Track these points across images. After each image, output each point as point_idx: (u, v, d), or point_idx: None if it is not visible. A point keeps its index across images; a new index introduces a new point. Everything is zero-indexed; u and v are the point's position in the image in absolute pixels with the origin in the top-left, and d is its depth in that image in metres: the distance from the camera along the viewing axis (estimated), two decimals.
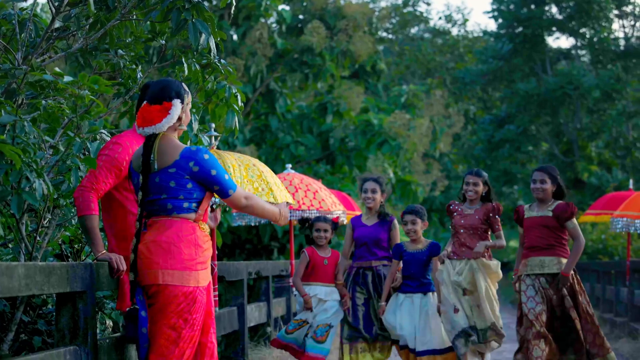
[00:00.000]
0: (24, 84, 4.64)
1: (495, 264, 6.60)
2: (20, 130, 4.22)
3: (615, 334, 10.99)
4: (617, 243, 19.00)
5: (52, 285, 3.87)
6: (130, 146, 4.56)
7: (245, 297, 8.11)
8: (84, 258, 5.38)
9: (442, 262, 6.65)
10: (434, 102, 22.36)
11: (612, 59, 27.54)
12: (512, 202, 29.49)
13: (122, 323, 5.65)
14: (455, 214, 6.72)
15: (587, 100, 26.24)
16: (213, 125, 6.28)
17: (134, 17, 5.25)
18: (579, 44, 29.06)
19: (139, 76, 5.41)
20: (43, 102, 4.56)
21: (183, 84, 4.38)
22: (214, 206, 5.24)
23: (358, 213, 9.78)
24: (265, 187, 5.79)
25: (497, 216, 6.63)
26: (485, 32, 33.26)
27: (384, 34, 33.16)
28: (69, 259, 5.34)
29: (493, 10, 28.65)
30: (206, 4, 6.28)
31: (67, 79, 4.54)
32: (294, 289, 7.09)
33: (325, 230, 6.88)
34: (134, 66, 5.40)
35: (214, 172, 4.18)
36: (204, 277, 4.20)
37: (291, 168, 8.85)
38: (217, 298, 6.51)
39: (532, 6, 27.85)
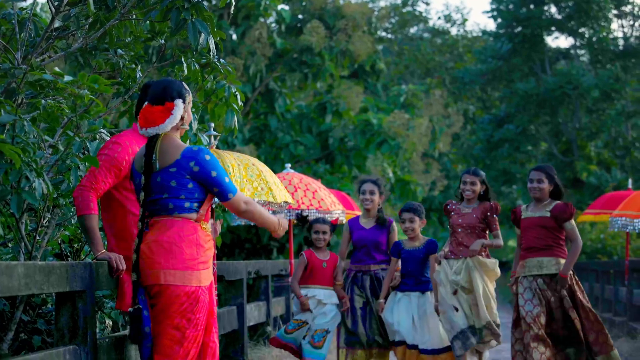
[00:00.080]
0: (24, 84, 4.64)
1: (492, 262, 6.57)
2: (19, 130, 4.22)
3: (614, 334, 10.99)
4: (616, 242, 19.03)
5: (51, 285, 3.88)
6: (130, 146, 4.56)
7: (245, 296, 8.11)
8: (83, 257, 5.39)
9: (439, 263, 6.63)
10: (433, 101, 22.37)
11: (611, 58, 27.57)
12: (511, 202, 29.52)
13: (122, 322, 5.66)
14: (452, 213, 6.70)
15: (586, 100, 26.25)
16: (212, 124, 6.28)
17: (134, 16, 5.25)
18: (578, 43, 29.08)
19: (138, 76, 5.42)
20: (43, 101, 4.56)
21: (184, 83, 4.38)
22: (214, 206, 5.24)
23: (357, 213, 9.78)
24: (264, 187, 5.79)
25: (494, 215, 6.61)
26: (484, 32, 33.29)
27: (383, 34, 33.15)
28: (69, 259, 5.34)
29: (492, 10, 28.67)
30: (205, 3, 6.28)
31: (66, 78, 4.54)
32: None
33: (324, 232, 6.84)
34: (133, 66, 5.40)
35: (214, 174, 4.18)
36: (205, 277, 4.20)
37: (290, 167, 8.85)
38: (216, 297, 6.51)
39: (531, 6, 27.87)
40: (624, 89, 26.36)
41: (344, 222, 8.40)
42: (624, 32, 28.88)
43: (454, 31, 36.63)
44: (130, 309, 4.14)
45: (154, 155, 4.19)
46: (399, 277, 6.78)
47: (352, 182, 16.54)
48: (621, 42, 28.52)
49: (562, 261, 6.38)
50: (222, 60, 5.55)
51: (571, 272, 6.42)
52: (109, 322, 5.60)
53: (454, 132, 25.48)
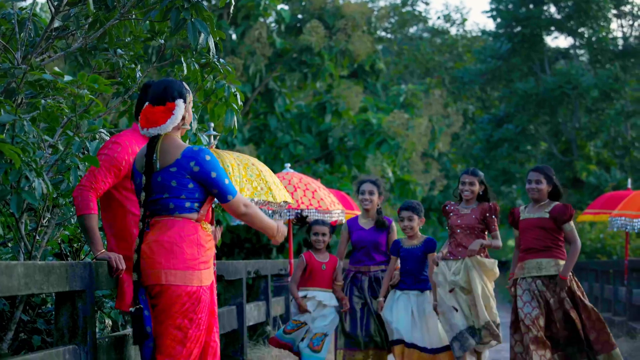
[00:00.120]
0: (24, 83, 4.64)
1: (491, 262, 6.54)
2: (19, 130, 4.22)
3: (614, 333, 10.94)
4: (615, 242, 19.03)
5: (51, 285, 3.88)
6: (130, 145, 4.56)
7: (244, 296, 8.11)
8: (83, 257, 5.39)
9: (437, 265, 6.60)
10: (433, 101, 22.38)
11: (610, 58, 27.57)
12: (511, 202, 29.53)
13: (121, 322, 5.66)
14: (451, 214, 6.68)
15: (585, 99, 26.26)
16: (212, 124, 6.28)
17: (133, 16, 5.26)
18: (577, 43, 29.08)
19: (138, 75, 5.42)
20: (42, 101, 4.57)
21: (184, 83, 4.38)
22: (214, 206, 5.23)
23: (357, 212, 9.78)
24: (264, 186, 5.80)
25: (493, 216, 6.58)
26: (483, 32, 33.29)
27: (383, 34, 33.16)
28: (68, 258, 5.34)
29: (492, 10, 28.68)
30: (205, 3, 6.28)
31: (66, 78, 4.54)
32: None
33: (324, 234, 6.83)
34: (133, 65, 5.40)
35: (213, 175, 4.17)
36: (207, 277, 4.20)
37: (290, 167, 8.85)
38: (216, 297, 6.51)
39: (531, 6, 27.87)
40: (624, 88, 26.37)
41: (343, 222, 8.40)
42: (623, 32, 28.89)
43: (453, 31, 36.67)
44: (131, 309, 4.14)
45: (154, 155, 4.19)
46: (399, 275, 6.77)
47: (352, 182, 16.55)
48: (620, 42, 28.52)
49: (561, 262, 6.35)
50: (221, 60, 5.55)
51: (570, 272, 6.40)
52: (108, 321, 5.60)
53: (454, 131, 25.50)
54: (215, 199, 4.31)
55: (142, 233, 4.18)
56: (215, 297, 4.43)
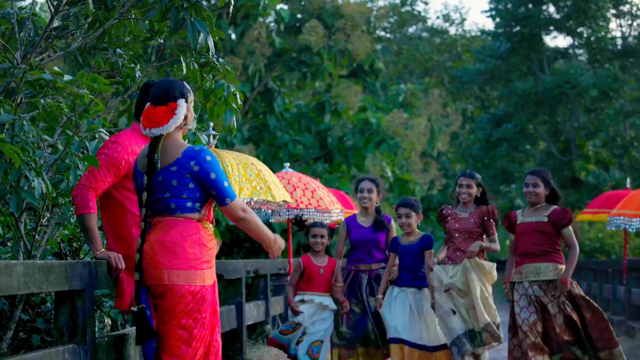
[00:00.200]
0: (23, 83, 4.64)
1: (489, 264, 6.44)
2: (19, 129, 4.22)
3: None
4: (614, 242, 19.04)
5: (50, 284, 3.88)
6: (129, 145, 4.57)
7: (244, 295, 8.11)
8: (82, 256, 5.39)
9: (431, 270, 6.54)
10: (432, 101, 22.40)
11: (609, 58, 27.59)
12: (510, 201, 29.55)
13: (121, 321, 5.67)
14: (449, 218, 6.58)
15: (584, 99, 26.27)
16: (211, 124, 6.28)
17: (133, 16, 5.26)
18: (576, 43, 29.09)
19: (137, 75, 5.42)
20: (42, 101, 4.57)
21: (185, 82, 4.38)
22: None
23: (356, 212, 9.78)
24: (263, 186, 5.81)
25: (491, 220, 6.48)
26: (482, 32, 33.30)
27: (382, 33, 33.17)
28: (68, 258, 5.34)
29: (491, 10, 28.70)
30: (204, 3, 6.28)
31: (66, 77, 4.54)
32: None
33: (322, 236, 6.80)
34: (132, 65, 5.40)
35: (213, 176, 4.16)
36: (209, 276, 4.20)
37: (289, 167, 8.86)
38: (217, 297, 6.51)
39: (530, 5, 27.89)
40: (622, 88, 26.39)
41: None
42: (622, 31, 28.91)
43: (452, 31, 36.68)
44: (133, 309, 4.13)
45: (156, 155, 4.19)
46: (397, 271, 6.73)
47: (351, 181, 16.56)
48: (619, 42, 28.54)
49: (560, 267, 6.27)
50: (221, 60, 5.55)
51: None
52: (108, 321, 5.60)
53: (453, 131, 25.52)
54: None
55: (144, 233, 4.18)
56: (217, 297, 4.43)
